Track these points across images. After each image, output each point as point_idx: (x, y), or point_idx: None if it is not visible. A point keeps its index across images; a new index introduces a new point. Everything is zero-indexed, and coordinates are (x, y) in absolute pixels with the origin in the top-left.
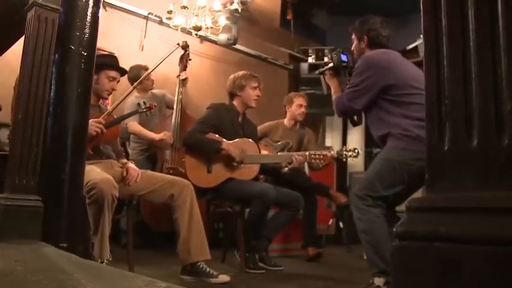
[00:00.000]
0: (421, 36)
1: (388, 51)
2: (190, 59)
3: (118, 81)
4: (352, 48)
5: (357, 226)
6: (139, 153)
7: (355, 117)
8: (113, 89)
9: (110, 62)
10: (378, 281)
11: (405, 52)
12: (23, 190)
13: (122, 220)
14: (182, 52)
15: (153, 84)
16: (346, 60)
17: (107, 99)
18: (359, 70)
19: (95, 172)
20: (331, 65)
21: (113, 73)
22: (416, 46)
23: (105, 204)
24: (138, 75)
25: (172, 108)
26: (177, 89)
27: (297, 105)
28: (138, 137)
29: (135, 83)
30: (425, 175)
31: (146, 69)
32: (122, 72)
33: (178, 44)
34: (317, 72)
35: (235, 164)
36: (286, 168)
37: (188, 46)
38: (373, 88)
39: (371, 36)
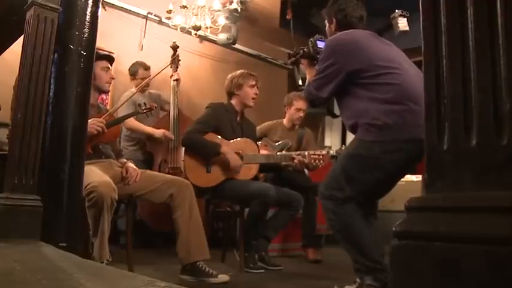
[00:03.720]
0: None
1: (354, 31)
2: (179, 60)
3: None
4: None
5: (331, 227)
6: (131, 152)
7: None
8: (112, 78)
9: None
10: (368, 278)
11: (406, 51)
12: (22, 190)
13: (119, 221)
14: (172, 53)
15: (147, 85)
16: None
17: (108, 91)
18: (323, 55)
19: (94, 174)
20: (301, 52)
21: (104, 62)
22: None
23: (105, 207)
24: (136, 71)
25: (165, 110)
26: (171, 90)
27: (296, 109)
28: (130, 136)
29: (140, 85)
30: (397, 170)
31: (144, 66)
32: (110, 59)
33: (174, 52)
34: (289, 61)
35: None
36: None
37: (178, 47)
38: (338, 75)
39: (339, 17)
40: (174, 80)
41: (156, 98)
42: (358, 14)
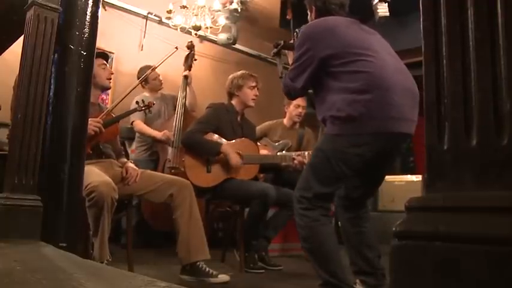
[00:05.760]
0: None
1: (332, 17)
2: (195, 59)
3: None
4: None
5: (299, 234)
6: (143, 153)
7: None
8: (111, 73)
9: None
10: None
11: (402, 52)
12: (23, 190)
13: (122, 220)
14: (188, 52)
15: (161, 84)
16: None
17: (110, 87)
18: (298, 43)
19: (94, 174)
20: (282, 43)
21: (100, 60)
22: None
23: (105, 207)
24: (146, 76)
25: None
26: (180, 89)
27: (295, 106)
28: (141, 136)
29: (137, 82)
30: (364, 164)
31: (150, 67)
32: (104, 56)
33: (176, 48)
34: (272, 53)
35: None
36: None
37: (194, 46)
38: (312, 62)
39: (318, 4)
40: (184, 76)
41: (169, 100)
42: (338, 1)
